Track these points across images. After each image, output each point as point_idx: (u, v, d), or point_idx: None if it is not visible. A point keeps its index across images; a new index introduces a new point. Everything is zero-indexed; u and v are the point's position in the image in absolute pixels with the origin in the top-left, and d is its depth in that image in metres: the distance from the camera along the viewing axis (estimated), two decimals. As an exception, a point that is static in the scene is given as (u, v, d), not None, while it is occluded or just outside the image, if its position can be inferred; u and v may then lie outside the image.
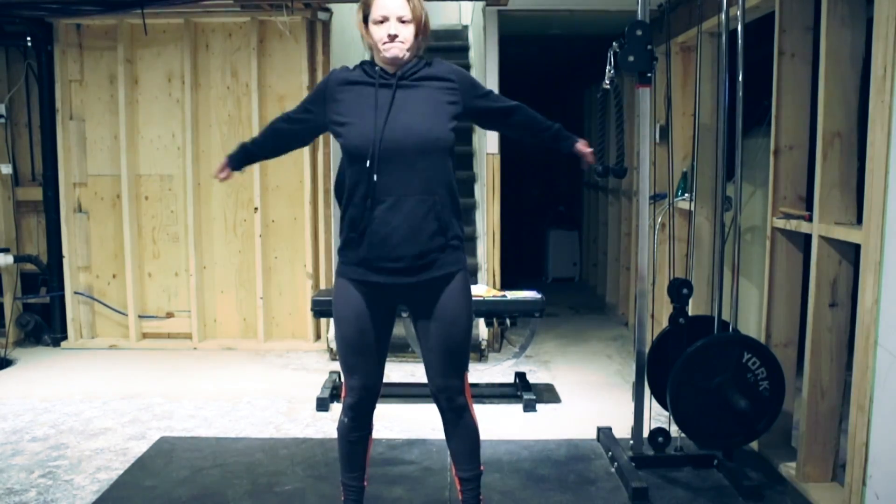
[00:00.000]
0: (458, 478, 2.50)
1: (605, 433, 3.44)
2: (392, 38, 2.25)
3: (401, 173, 2.25)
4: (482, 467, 2.53)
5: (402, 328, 3.79)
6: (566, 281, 7.89)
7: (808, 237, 2.96)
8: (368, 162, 2.24)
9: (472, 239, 5.41)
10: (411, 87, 2.31)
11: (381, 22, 2.26)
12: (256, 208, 5.12)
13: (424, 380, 2.46)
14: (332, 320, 4.90)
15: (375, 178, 2.24)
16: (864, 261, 2.52)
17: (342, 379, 2.46)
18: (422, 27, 2.31)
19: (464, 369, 2.42)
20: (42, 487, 3.01)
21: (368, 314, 2.35)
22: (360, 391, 2.40)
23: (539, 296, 3.98)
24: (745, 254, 3.98)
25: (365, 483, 2.55)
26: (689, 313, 3.25)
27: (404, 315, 3.45)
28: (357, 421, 2.45)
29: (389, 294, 2.36)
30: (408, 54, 2.29)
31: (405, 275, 2.30)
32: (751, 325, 3.86)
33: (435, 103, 2.31)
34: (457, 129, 2.34)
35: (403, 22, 2.26)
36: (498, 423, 3.72)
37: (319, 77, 5.08)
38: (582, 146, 2.54)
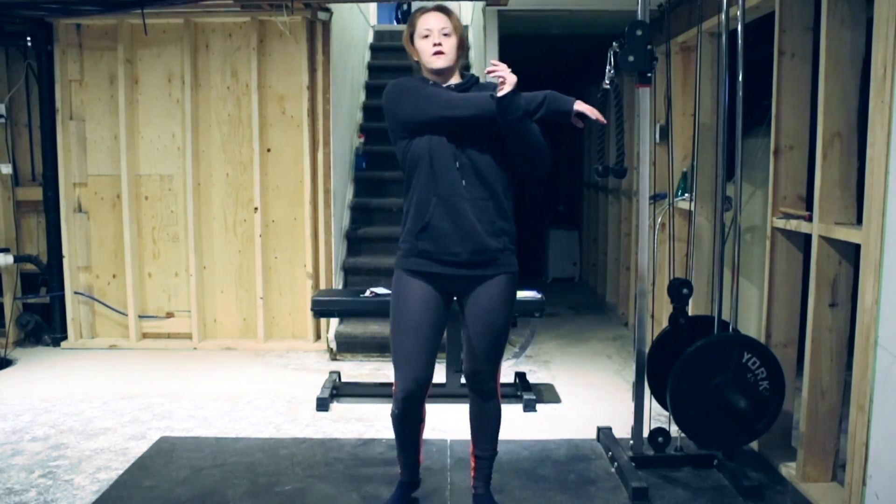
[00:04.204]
0: (475, 456, 2.69)
1: (605, 433, 3.44)
2: (437, 50, 2.46)
3: (461, 177, 2.43)
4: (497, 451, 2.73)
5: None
6: (566, 281, 7.88)
7: (808, 237, 2.96)
8: (432, 165, 2.43)
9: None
10: None
11: (426, 37, 2.48)
12: (256, 208, 5.12)
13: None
14: (332, 320, 5.00)
15: (439, 179, 2.43)
16: (864, 261, 2.52)
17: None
18: (462, 41, 2.51)
19: (499, 358, 2.60)
20: (42, 487, 3.01)
21: (428, 306, 2.49)
22: (412, 383, 2.50)
23: (539, 296, 3.98)
24: (745, 254, 3.98)
25: (421, 458, 2.80)
26: (689, 313, 3.25)
27: None
28: (408, 412, 2.59)
29: (446, 285, 2.50)
30: (451, 64, 2.48)
31: (462, 268, 2.46)
32: (751, 325, 3.86)
33: None
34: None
35: (446, 35, 2.47)
36: (498, 423, 3.72)
37: (319, 77, 5.08)
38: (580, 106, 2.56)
